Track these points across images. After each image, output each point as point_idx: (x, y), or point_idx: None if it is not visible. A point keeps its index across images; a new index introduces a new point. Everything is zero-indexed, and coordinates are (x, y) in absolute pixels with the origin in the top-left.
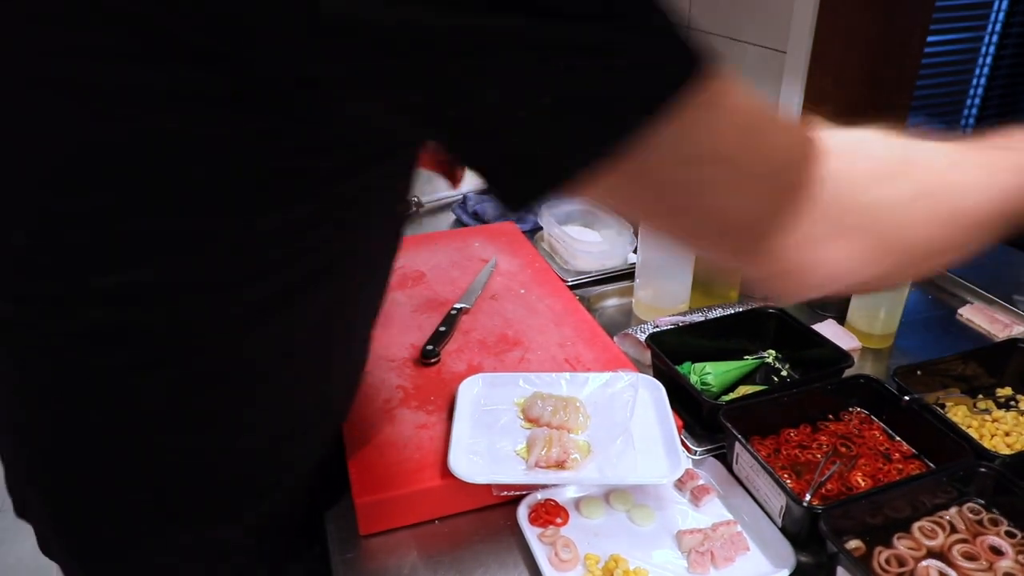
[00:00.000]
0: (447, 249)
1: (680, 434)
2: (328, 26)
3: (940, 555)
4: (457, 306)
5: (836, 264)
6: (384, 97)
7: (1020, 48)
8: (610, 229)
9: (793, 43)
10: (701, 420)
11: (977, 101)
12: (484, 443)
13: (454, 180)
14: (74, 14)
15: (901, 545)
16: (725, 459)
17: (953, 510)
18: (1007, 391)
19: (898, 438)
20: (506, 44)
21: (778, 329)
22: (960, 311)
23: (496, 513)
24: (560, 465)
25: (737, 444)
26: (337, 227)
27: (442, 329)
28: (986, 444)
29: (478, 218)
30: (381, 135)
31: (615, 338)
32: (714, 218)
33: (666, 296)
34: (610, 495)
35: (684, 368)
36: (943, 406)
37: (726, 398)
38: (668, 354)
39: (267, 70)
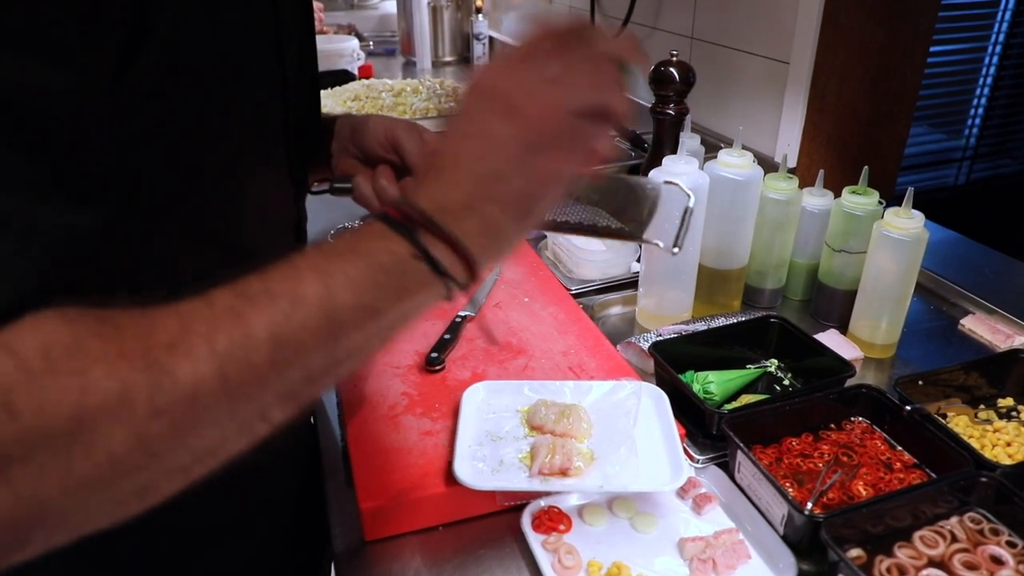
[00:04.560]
0: None
1: (683, 442)
2: None
3: (941, 564)
4: (462, 314)
5: None
6: None
7: (1023, 58)
8: None
9: (796, 54)
10: (703, 429)
11: (981, 111)
12: (488, 450)
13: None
14: None
15: (902, 554)
16: (727, 467)
17: (954, 519)
18: (1008, 401)
19: (899, 448)
20: None
21: (780, 338)
22: (962, 321)
23: (500, 520)
24: (563, 472)
25: (739, 453)
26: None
27: (447, 337)
28: (987, 454)
29: None
30: None
31: (618, 346)
32: None
33: (669, 305)
34: (613, 502)
35: (687, 377)
36: (944, 416)
37: (728, 407)
38: (671, 363)
39: None
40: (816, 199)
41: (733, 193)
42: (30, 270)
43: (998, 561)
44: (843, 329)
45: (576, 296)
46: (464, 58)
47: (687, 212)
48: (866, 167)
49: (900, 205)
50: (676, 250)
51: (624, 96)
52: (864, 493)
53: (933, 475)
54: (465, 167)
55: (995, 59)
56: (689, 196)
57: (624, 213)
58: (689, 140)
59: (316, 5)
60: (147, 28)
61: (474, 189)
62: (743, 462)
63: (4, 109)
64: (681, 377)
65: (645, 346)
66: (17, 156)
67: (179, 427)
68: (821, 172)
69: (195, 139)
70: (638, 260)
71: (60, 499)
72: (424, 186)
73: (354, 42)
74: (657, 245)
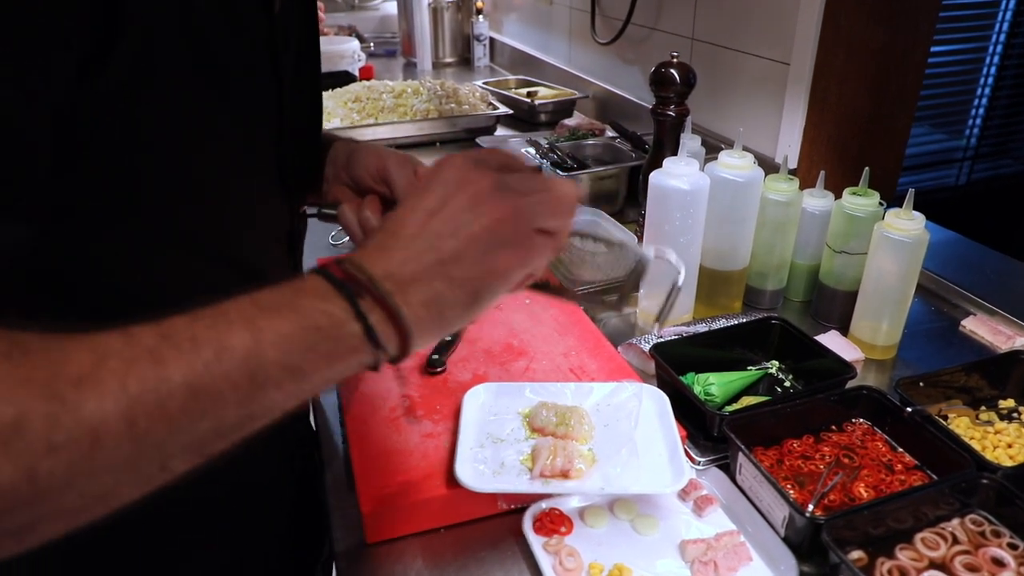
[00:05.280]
0: None
1: (684, 444)
2: None
3: (942, 566)
4: None
5: None
6: None
7: None
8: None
9: (797, 55)
10: (704, 430)
11: (982, 111)
12: (489, 452)
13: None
14: None
15: (903, 556)
16: (728, 469)
17: (955, 521)
18: (1009, 403)
19: (900, 449)
20: None
21: (781, 340)
22: (963, 323)
23: (501, 522)
24: (565, 475)
25: (740, 454)
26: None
27: (448, 338)
28: (988, 456)
29: None
30: None
31: (619, 348)
32: None
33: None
34: (614, 505)
35: (688, 379)
36: (946, 418)
37: (729, 409)
38: (672, 364)
39: None
40: (817, 200)
41: (734, 194)
42: None
43: (999, 563)
44: (844, 330)
45: None
46: (465, 59)
47: (675, 288)
48: (866, 168)
49: (901, 206)
50: (657, 327)
51: (569, 229)
52: (865, 495)
53: (934, 477)
54: (425, 242)
55: (996, 59)
56: (679, 272)
57: (607, 281)
58: (690, 141)
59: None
60: (118, 35)
61: (430, 265)
62: (744, 464)
63: None
64: (682, 379)
65: (646, 348)
66: None
67: (74, 467)
68: (822, 173)
69: (172, 145)
70: None
71: None
72: (377, 251)
73: (355, 43)
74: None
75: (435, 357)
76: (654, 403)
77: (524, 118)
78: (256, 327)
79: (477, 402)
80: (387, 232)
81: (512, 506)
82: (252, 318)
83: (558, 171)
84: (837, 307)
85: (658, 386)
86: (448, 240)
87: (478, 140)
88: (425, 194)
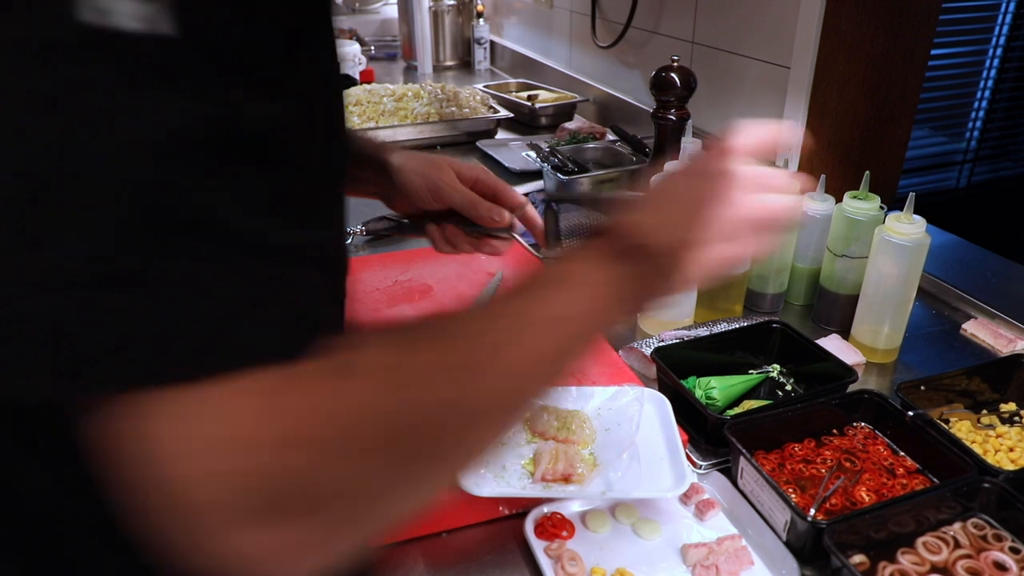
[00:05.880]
0: (454, 263)
1: (685, 448)
2: None
3: (944, 570)
4: None
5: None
6: None
7: None
8: None
9: (797, 58)
10: (706, 434)
11: (982, 114)
12: (490, 456)
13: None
14: None
15: (905, 560)
16: (730, 473)
17: (957, 525)
18: (1011, 406)
19: (902, 453)
20: None
21: (783, 343)
22: (964, 326)
23: (502, 526)
24: (566, 479)
25: (742, 458)
26: None
27: None
28: (990, 460)
29: None
30: None
31: (620, 352)
32: None
33: (671, 310)
34: (616, 509)
35: (689, 382)
36: (947, 421)
37: (731, 412)
38: (673, 368)
39: None
40: (817, 204)
41: None
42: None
43: (1001, 567)
44: (845, 334)
45: None
46: (465, 62)
47: None
48: (867, 173)
49: (901, 209)
50: None
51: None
52: (867, 499)
53: (936, 481)
54: (681, 226)
55: (996, 62)
56: None
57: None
58: (690, 145)
59: None
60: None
61: (684, 243)
62: (746, 468)
63: (242, 135)
64: (683, 383)
65: (647, 351)
66: (263, 182)
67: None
68: (822, 177)
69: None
70: None
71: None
72: (653, 227)
73: (356, 47)
74: None
75: None
76: (655, 407)
77: (525, 121)
78: (560, 322)
79: None
80: (648, 211)
81: (513, 510)
82: (555, 319)
83: (558, 174)
84: (838, 311)
85: (659, 390)
86: (699, 227)
87: (479, 144)
88: (689, 194)
